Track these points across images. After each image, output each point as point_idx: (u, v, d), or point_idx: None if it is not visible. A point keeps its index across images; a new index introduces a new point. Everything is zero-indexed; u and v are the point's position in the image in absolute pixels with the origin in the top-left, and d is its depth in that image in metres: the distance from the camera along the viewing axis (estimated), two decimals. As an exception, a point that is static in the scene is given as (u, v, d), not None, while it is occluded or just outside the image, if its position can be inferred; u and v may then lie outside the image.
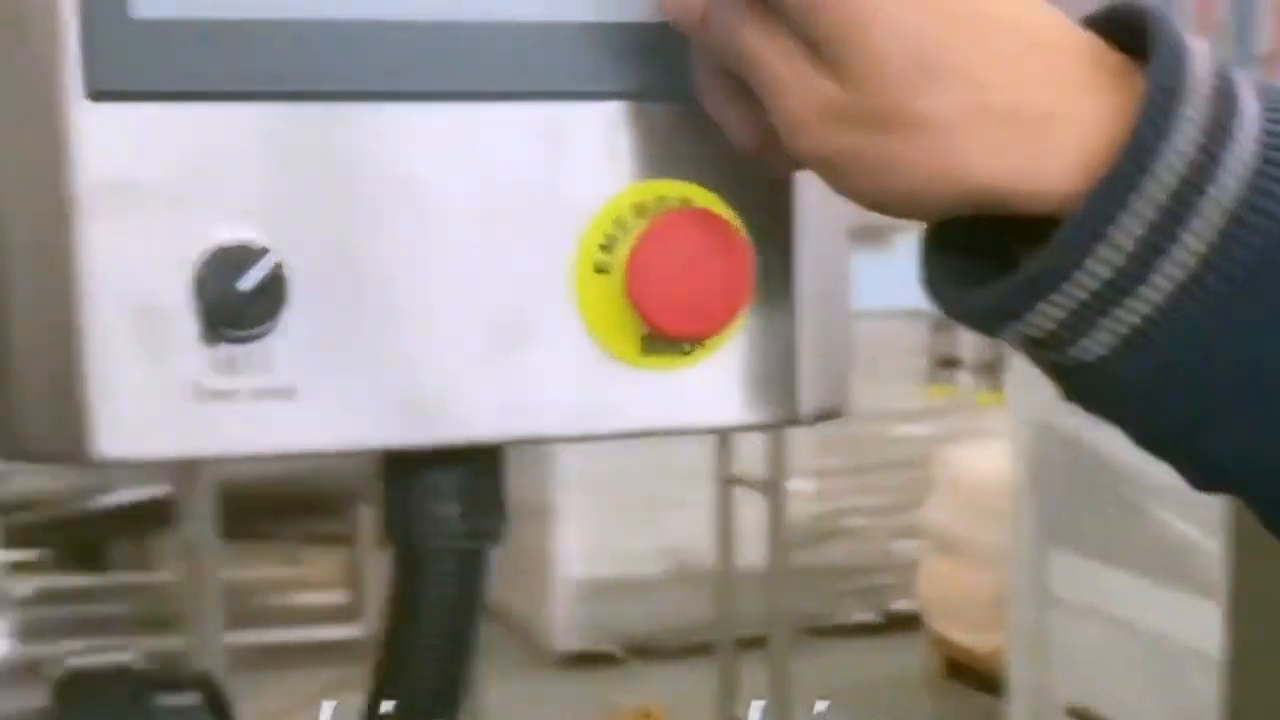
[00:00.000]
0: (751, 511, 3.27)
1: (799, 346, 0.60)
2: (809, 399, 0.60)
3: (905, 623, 4.37)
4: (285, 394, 0.55)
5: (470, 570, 0.61)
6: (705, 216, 0.57)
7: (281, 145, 0.54)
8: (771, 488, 3.18)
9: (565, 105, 0.56)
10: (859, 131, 0.49)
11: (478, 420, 0.57)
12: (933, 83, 0.48)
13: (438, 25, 0.54)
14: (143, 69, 0.52)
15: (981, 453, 3.90)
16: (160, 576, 4.17)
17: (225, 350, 0.54)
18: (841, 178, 0.52)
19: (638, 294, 0.55)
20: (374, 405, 0.56)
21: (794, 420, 0.60)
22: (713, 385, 0.59)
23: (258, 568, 4.32)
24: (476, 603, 0.62)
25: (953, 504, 3.98)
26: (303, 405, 0.55)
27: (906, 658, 4.23)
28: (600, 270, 0.57)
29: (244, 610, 3.81)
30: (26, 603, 4.19)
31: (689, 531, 3.92)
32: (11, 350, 0.54)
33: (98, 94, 0.52)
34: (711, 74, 0.55)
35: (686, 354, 0.58)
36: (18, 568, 4.20)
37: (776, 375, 0.60)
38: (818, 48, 0.50)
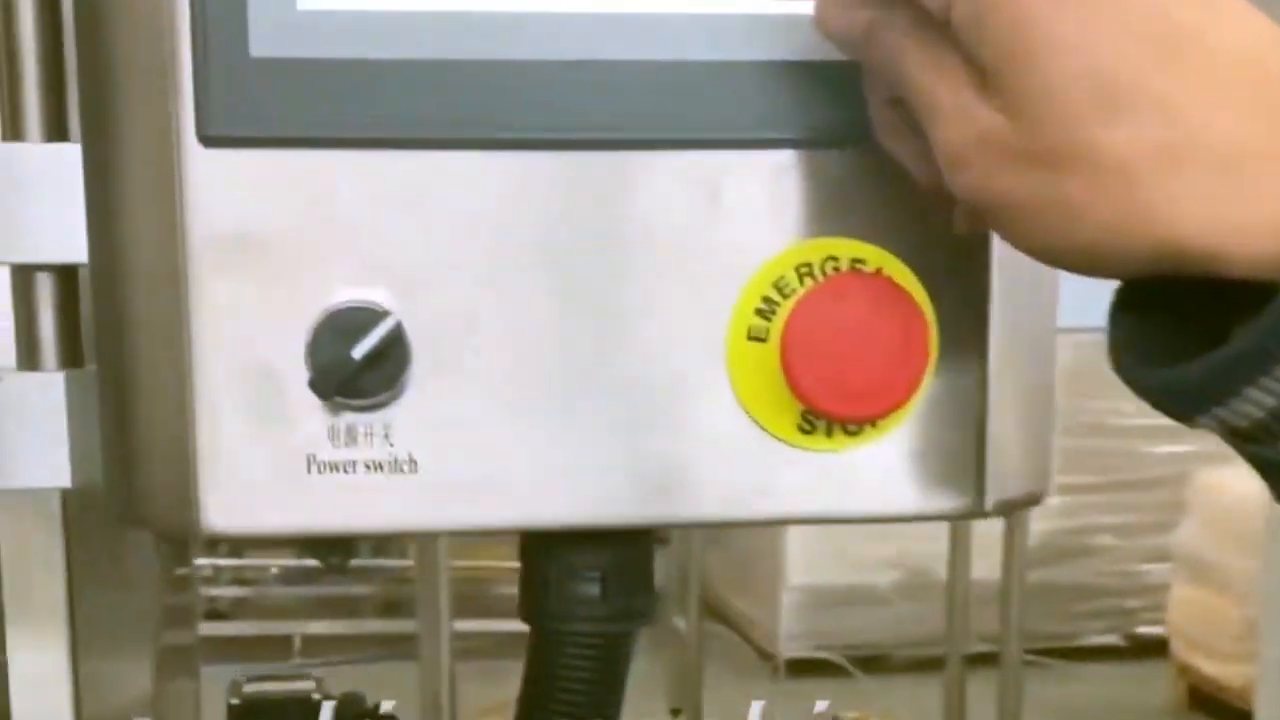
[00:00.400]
0: (990, 524, 3.14)
1: (989, 428, 0.52)
2: (998, 487, 0.53)
3: (1150, 648, 4.15)
4: (406, 467, 0.50)
5: (611, 654, 0.56)
6: (878, 281, 0.50)
7: (413, 197, 0.49)
8: (1008, 505, 3.04)
9: (725, 154, 0.50)
10: (1028, 171, 0.42)
11: (616, 501, 0.51)
12: (1119, 115, 0.40)
13: (586, 65, 0.49)
14: (262, 113, 0.48)
15: (1238, 476, 3.67)
16: (400, 563, 4.27)
17: (343, 419, 0.50)
18: (1008, 225, 0.44)
19: (793, 368, 0.49)
20: (504, 482, 0.51)
21: (979, 512, 0.53)
22: (882, 470, 0.52)
23: (493, 558, 4.38)
24: (617, 687, 0.57)
25: (1206, 528, 3.76)
26: (425, 480, 0.50)
27: (1149, 684, 4.02)
28: (755, 338, 0.51)
29: (477, 599, 3.87)
30: (275, 581, 4.35)
31: (923, 542, 3.80)
32: (133, 411, 0.51)
33: (211, 139, 0.48)
34: (881, 100, 0.48)
35: (853, 434, 0.52)
36: (269, 548, 4.36)
37: (960, 460, 0.52)
38: (984, 71, 0.42)
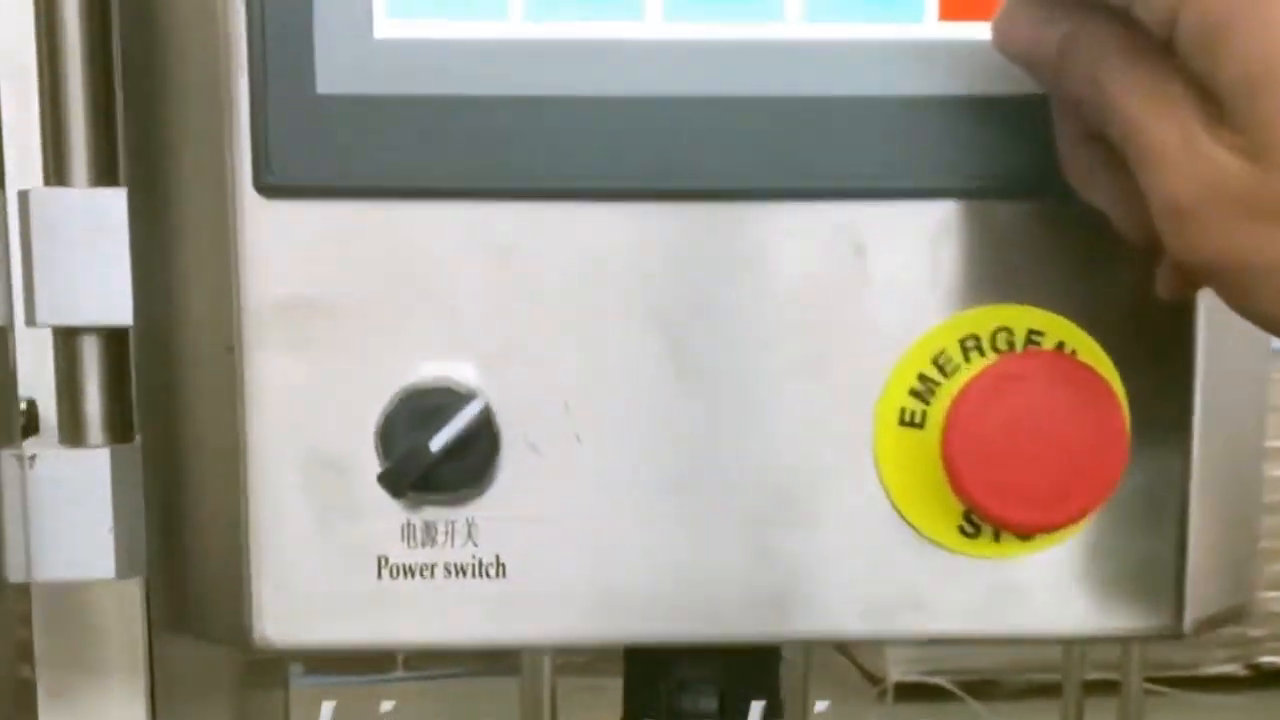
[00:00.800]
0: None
1: (1190, 533, 0.44)
2: (1199, 602, 0.44)
3: (1274, 678, 3.98)
4: (492, 571, 0.43)
5: (732, 781, 0.48)
6: (1062, 362, 0.41)
7: (506, 255, 0.42)
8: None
9: (873, 205, 0.42)
10: (1274, 226, 0.34)
11: (740, 613, 0.44)
12: None
13: (707, 102, 0.41)
14: (329, 159, 0.41)
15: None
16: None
17: (420, 515, 0.43)
18: (1242, 291, 0.36)
19: (957, 465, 0.41)
20: (607, 590, 0.43)
21: (1174, 631, 0.44)
22: (1060, 582, 0.44)
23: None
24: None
25: (1335, 556, 3.59)
26: (514, 587, 0.43)
27: (1272, 716, 3.85)
28: (910, 423, 0.43)
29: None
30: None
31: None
32: (180, 500, 0.45)
33: (270, 189, 0.41)
34: (1075, 135, 0.40)
35: (1026, 540, 0.43)
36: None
37: (1155, 571, 0.44)
38: (1220, 104, 0.34)
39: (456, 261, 0.42)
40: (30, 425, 0.55)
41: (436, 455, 0.40)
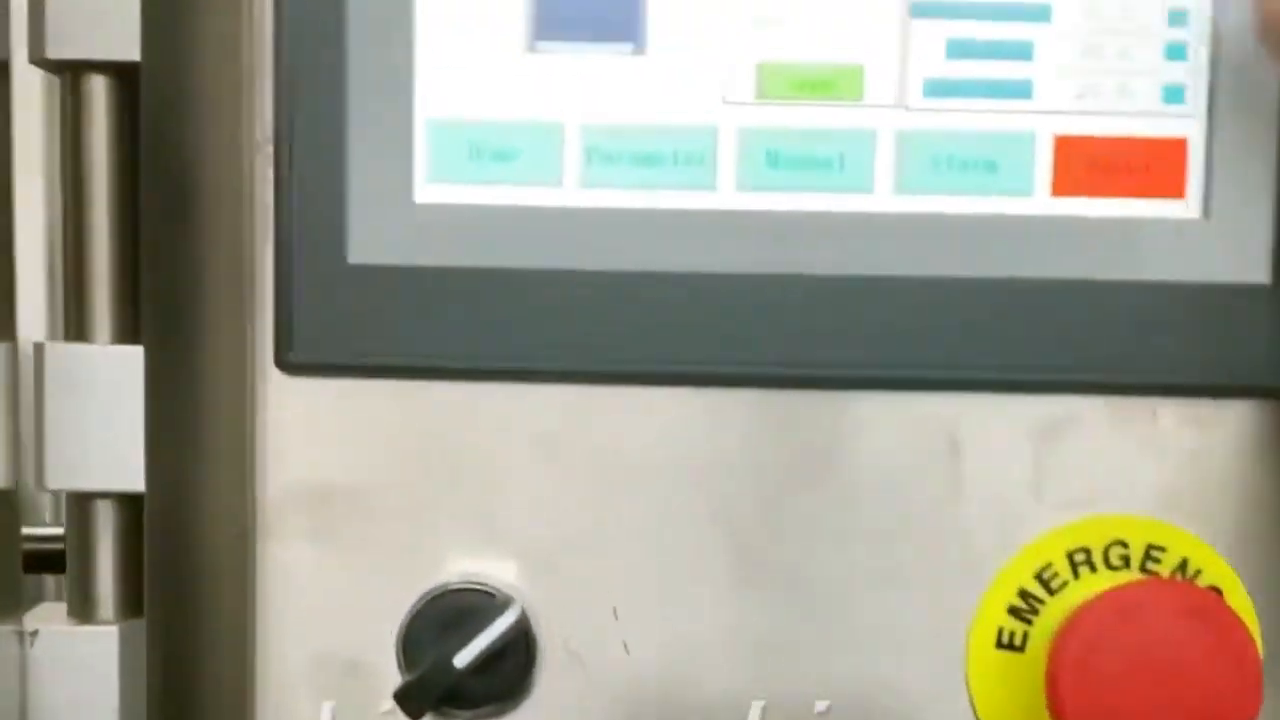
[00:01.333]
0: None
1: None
2: None
3: None
4: (527, 793, 0.38)
5: None
6: (1188, 592, 0.36)
7: (553, 444, 0.38)
8: None
9: (973, 399, 0.37)
10: None
11: None
12: None
13: (785, 280, 0.36)
14: (359, 336, 0.37)
15: None
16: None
17: (446, 729, 0.38)
18: None
19: (1065, 704, 0.35)
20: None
21: None
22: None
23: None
24: None
25: None
26: (551, 812, 0.38)
27: None
28: (1008, 645, 0.37)
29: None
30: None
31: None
32: (187, 695, 0.40)
33: (294, 366, 0.37)
34: None
35: (1140, 787, 0.37)
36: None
37: (1286, 823, 0.38)
38: None
39: (497, 449, 0.37)
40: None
41: (462, 672, 0.36)
